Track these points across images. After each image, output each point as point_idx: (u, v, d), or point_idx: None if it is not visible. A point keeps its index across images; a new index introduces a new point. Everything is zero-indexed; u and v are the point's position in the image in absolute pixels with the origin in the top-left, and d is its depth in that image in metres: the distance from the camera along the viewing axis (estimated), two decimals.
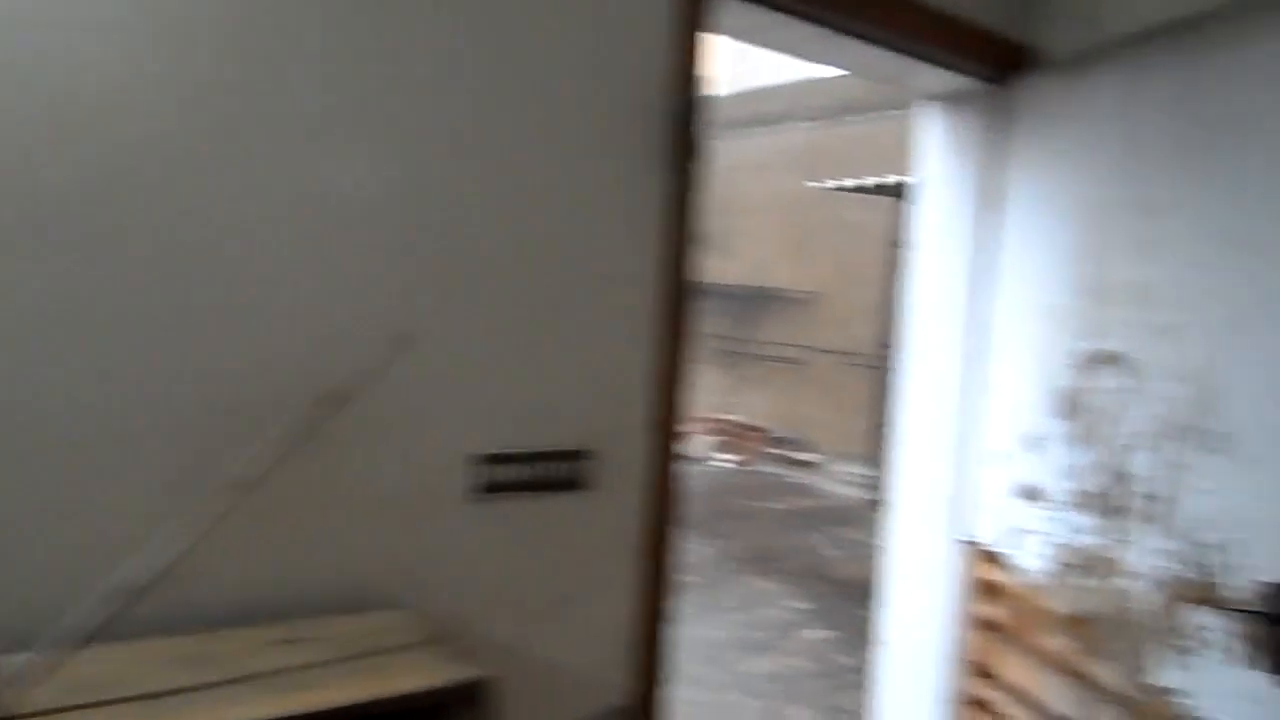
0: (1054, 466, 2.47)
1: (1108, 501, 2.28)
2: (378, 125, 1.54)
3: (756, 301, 10.99)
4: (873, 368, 8.79)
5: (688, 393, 2.07)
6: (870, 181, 6.87)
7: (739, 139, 11.44)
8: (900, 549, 3.13)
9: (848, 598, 6.16)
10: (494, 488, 1.76)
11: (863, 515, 7.85)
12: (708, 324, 11.83)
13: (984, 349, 2.79)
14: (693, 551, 7.09)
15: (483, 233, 1.69)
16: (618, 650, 1.99)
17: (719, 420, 11.13)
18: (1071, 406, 2.41)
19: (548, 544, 1.87)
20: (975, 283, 2.87)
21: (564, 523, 1.89)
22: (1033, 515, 2.54)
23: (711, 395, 11.48)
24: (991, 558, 2.73)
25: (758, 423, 10.84)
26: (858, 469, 9.05)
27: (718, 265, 11.69)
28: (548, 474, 1.85)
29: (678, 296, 2.00)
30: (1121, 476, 2.24)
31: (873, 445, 7.97)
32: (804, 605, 6.00)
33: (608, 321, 1.91)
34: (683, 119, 1.94)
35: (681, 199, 1.97)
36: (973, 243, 2.87)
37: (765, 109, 11.11)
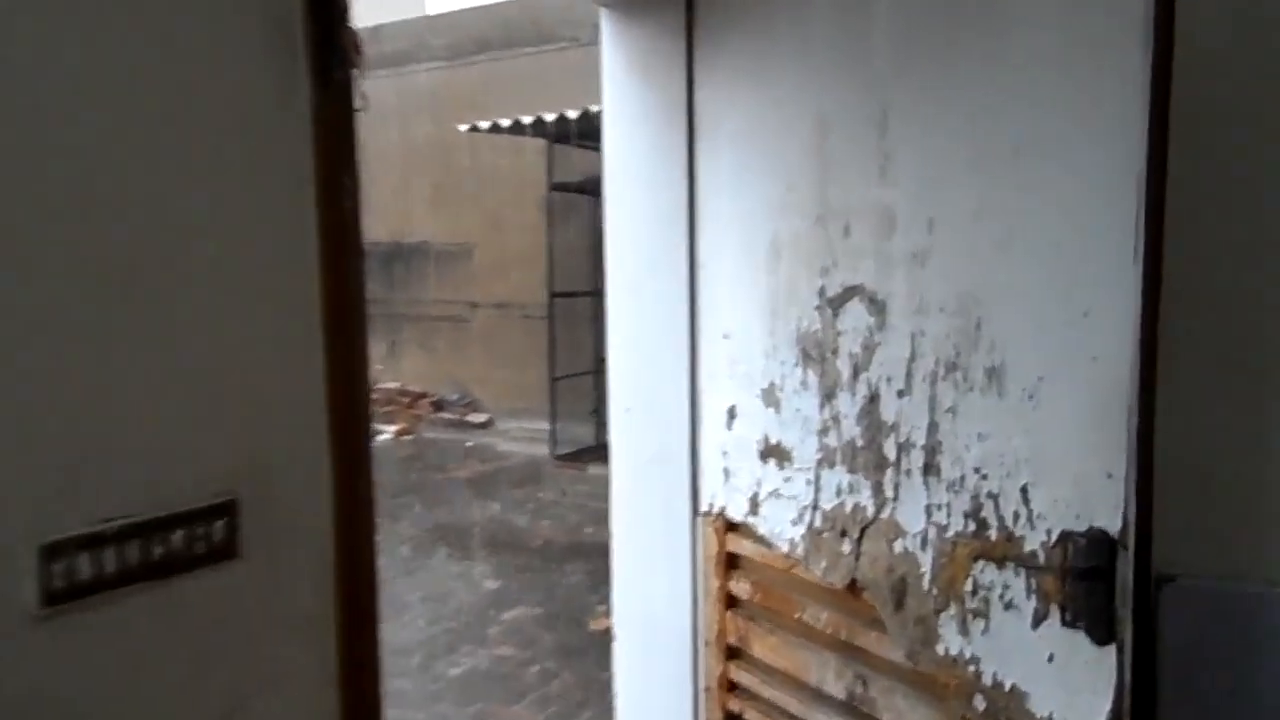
0: (800, 421, 2.18)
1: (865, 456, 2.03)
2: None
3: (403, 258, 10.21)
4: (540, 318, 8.45)
5: (367, 382, 1.49)
6: (524, 120, 6.41)
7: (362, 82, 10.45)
8: (627, 519, 2.76)
9: (545, 566, 5.82)
10: (80, 589, 1.09)
11: (547, 473, 7.54)
12: None
13: (710, 295, 2.44)
14: None
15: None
16: None
17: (375, 390, 10.28)
18: (816, 352, 2.13)
19: (187, 656, 1.22)
20: (681, 219, 2.50)
21: (208, 617, 1.25)
22: (780, 477, 2.25)
23: None
24: (735, 527, 2.43)
25: (419, 388, 10.16)
26: (533, 424, 8.73)
27: None
28: (171, 549, 1.19)
29: (345, 255, 1.40)
30: (879, 426, 1.99)
31: (549, 397, 7.66)
32: (499, 582, 5.57)
33: (243, 300, 1.26)
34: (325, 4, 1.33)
35: (337, 122, 1.36)
36: (676, 173, 2.50)
37: (388, 49, 10.21)
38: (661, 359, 2.58)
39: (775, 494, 2.27)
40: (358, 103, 1.44)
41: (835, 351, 2.08)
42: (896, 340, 1.93)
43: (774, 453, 2.27)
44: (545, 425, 8.12)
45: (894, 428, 1.95)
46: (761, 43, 2.24)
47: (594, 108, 6.20)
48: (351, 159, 1.42)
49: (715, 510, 2.47)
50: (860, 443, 2.03)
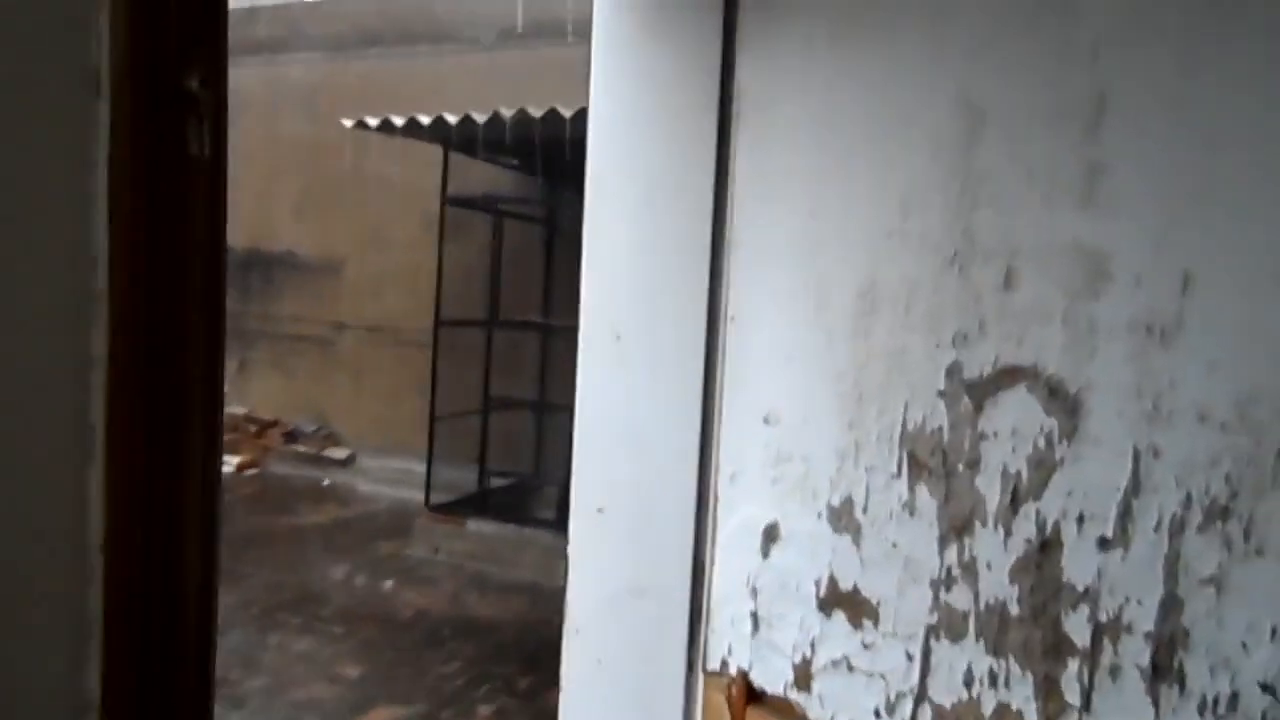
0: (899, 562, 1.44)
1: (1025, 633, 1.30)
2: None
3: (261, 268, 9.02)
4: (415, 345, 7.47)
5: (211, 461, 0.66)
6: (422, 120, 5.50)
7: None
8: (583, 670, 1.93)
9: (417, 648, 4.87)
10: None
11: (418, 525, 6.55)
12: None
13: (742, 358, 1.68)
14: None
15: None
16: None
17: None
18: (936, 460, 1.39)
19: None
20: (699, 246, 1.74)
21: None
22: (854, 640, 1.50)
23: None
24: (761, 699, 1.66)
25: (270, 415, 8.94)
26: (403, 464, 7.71)
27: None
28: None
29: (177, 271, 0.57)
30: (1055, 590, 1.27)
31: (427, 436, 6.69)
32: (359, 669, 4.58)
33: None
34: None
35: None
36: (696, 178, 1.74)
37: (261, 34, 9.08)
38: (656, 444, 1.79)
39: (844, 664, 1.51)
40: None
41: (974, 464, 1.34)
42: (1100, 458, 1.21)
43: (846, 603, 1.51)
44: (415, 466, 7.13)
45: (1088, 596, 1.22)
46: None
47: (506, 111, 5.37)
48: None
49: (733, 671, 1.69)
50: (1017, 611, 1.30)
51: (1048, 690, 1.27)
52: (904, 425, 1.43)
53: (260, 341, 9.08)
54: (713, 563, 1.73)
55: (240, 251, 9.21)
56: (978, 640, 1.34)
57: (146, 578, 0.60)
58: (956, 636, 1.37)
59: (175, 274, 0.60)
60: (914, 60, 1.44)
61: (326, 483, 8.26)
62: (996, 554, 1.32)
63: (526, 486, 7.14)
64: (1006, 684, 1.32)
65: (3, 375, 0.53)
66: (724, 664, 1.71)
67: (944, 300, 1.38)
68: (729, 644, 1.70)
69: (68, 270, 0.57)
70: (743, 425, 1.68)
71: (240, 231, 9.19)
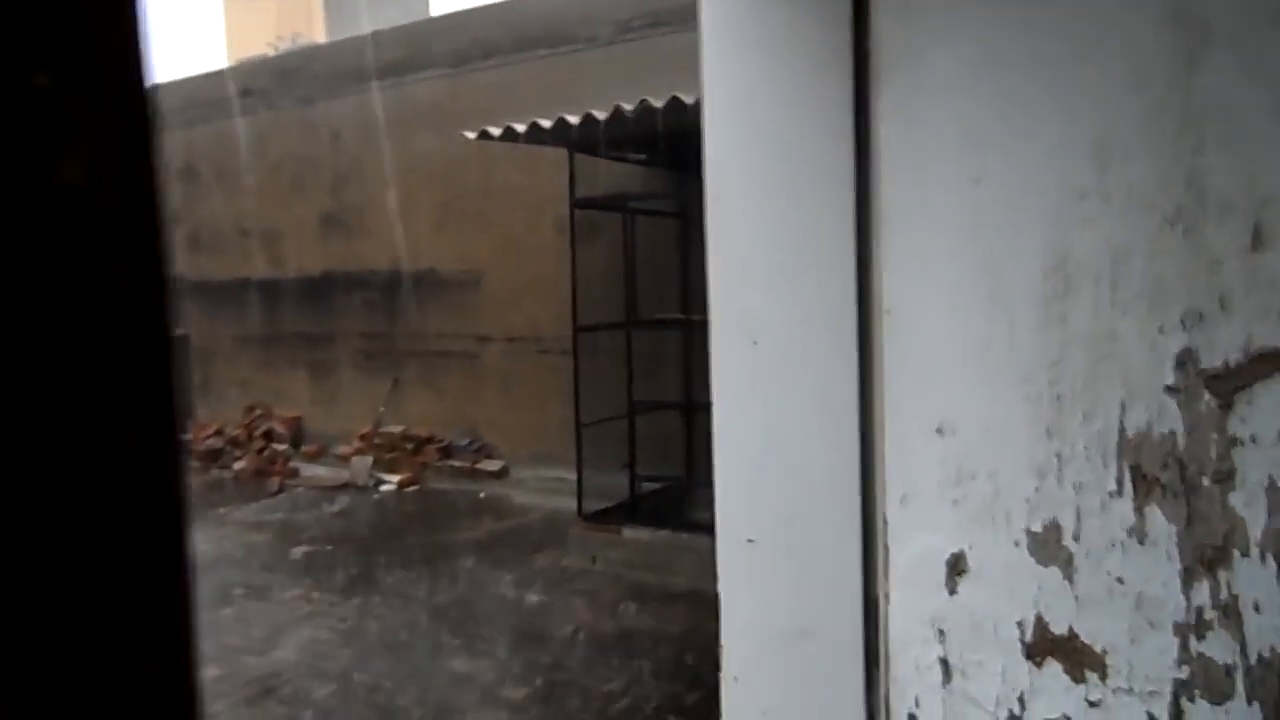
0: (1129, 601, 1.15)
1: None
2: None
3: (405, 288, 9.21)
4: (559, 353, 7.41)
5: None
6: (543, 124, 5.40)
7: (352, 95, 9.50)
8: (743, 693, 1.71)
9: (580, 666, 4.75)
10: None
11: (573, 534, 6.48)
12: (347, 321, 9.84)
13: (904, 358, 1.41)
14: (355, 630, 5.32)
15: None
16: None
17: (377, 435, 9.25)
18: (1170, 475, 1.09)
19: None
20: (843, 229, 1.48)
21: None
22: (1075, 697, 1.22)
23: (364, 406, 9.55)
24: None
25: (424, 432, 9.11)
26: (554, 472, 7.68)
27: (349, 248, 9.71)
28: None
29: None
30: None
31: (575, 444, 6.62)
32: (524, 691, 4.50)
33: None
34: None
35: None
36: (832, 147, 1.48)
37: (386, 57, 9.26)
38: (809, 463, 1.54)
39: None
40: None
41: (1226, 477, 1.04)
42: None
43: (1061, 650, 1.23)
44: (567, 474, 7.07)
45: None
46: None
47: (627, 105, 5.20)
48: None
49: None
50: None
51: None
52: (1122, 431, 1.14)
53: (410, 360, 9.28)
54: (887, 600, 1.47)
55: (384, 273, 9.43)
56: (1250, 702, 1.04)
57: None
58: (1219, 697, 1.07)
59: (80, 327, 0.41)
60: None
61: (482, 495, 8.34)
62: (1267, 591, 1.02)
63: (679, 489, 6.97)
64: None
65: None
66: (911, 718, 1.45)
67: (1166, 271, 1.08)
68: (915, 695, 1.44)
69: None
70: (911, 438, 1.41)
71: (383, 254, 9.41)
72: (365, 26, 10.36)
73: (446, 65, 8.72)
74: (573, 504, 6.75)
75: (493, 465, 8.61)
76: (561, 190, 6.50)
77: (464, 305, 8.80)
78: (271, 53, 13.10)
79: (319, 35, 15.16)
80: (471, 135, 5.94)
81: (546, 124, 5.35)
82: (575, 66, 7.76)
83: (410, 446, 9.05)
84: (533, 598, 5.80)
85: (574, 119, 5.25)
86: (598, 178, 6.62)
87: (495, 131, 5.65)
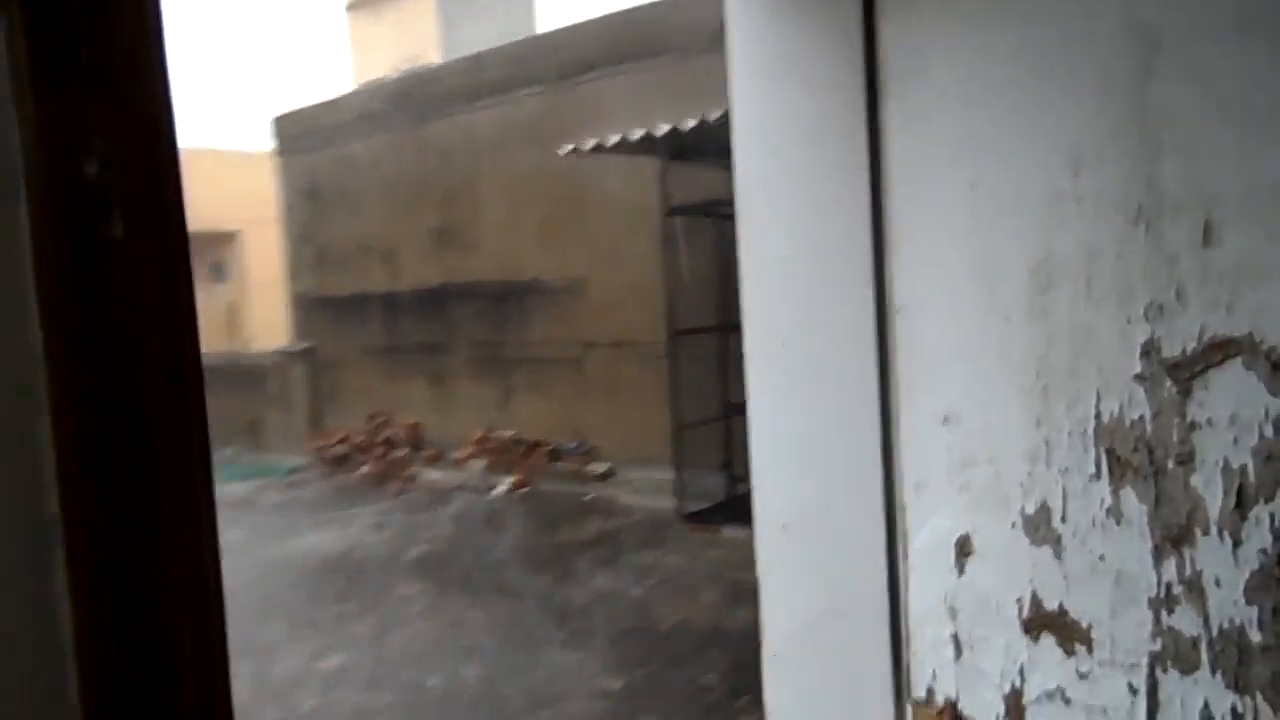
0: (1109, 578, 1.22)
1: (1272, 666, 1.05)
2: None
3: (513, 298, 9.56)
4: (659, 357, 7.58)
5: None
6: (632, 136, 5.58)
7: (461, 114, 9.92)
8: (783, 701, 1.82)
9: (675, 660, 4.90)
10: None
11: (674, 533, 6.64)
12: (460, 331, 10.27)
13: (915, 352, 1.51)
14: (466, 626, 5.60)
15: None
16: None
17: (489, 440, 9.62)
18: (1141, 458, 1.17)
19: None
20: (860, 232, 1.58)
21: None
22: (1067, 669, 1.29)
23: (477, 412, 9.94)
24: None
25: (534, 436, 9.42)
26: (657, 474, 7.85)
27: (460, 261, 10.14)
28: None
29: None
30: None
31: (673, 446, 6.77)
32: (620, 682, 4.68)
33: None
34: None
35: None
36: (847, 154, 1.59)
37: (490, 76, 9.64)
38: (836, 453, 1.65)
39: (1059, 696, 1.31)
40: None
41: (1187, 460, 1.11)
42: None
43: (1052, 625, 1.31)
44: (669, 476, 7.24)
45: None
46: None
47: (713, 115, 5.33)
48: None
49: (940, 701, 1.52)
50: (1259, 638, 1.06)
51: None
52: (1099, 418, 1.21)
53: (519, 367, 9.62)
54: (907, 581, 1.57)
55: (494, 285, 9.82)
56: (1214, 673, 1.11)
57: (126, 675, 0.59)
58: (1188, 668, 1.14)
59: (117, 348, 0.58)
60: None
61: (589, 497, 8.59)
62: (1225, 568, 1.08)
63: None
64: None
65: None
66: (930, 692, 1.54)
67: (1131, 267, 1.16)
68: (933, 670, 1.53)
69: (8, 355, 0.56)
70: (923, 428, 1.51)
71: (492, 265, 9.80)
72: (478, 45, 10.78)
73: (547, 81, 9.03)
74: (673, 504, 6.91)
75: (599, 468, 8.85)
76: (658, 198, 6.68)
77: (568, 313, 9.08)
78: (393, 75, 13.76)
79: (435, 56, 15.79)
80: (565, 151, 6.17)
81: (636, 136, 5.53)
82: (671, 77, 7.92)
83: (521, 450, 9.38)
84: (634, 594, 5.98)
85: (662, 130, 5.41)
86: (696, 185, 6.77)
87: (587, 146, 5.86)
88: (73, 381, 0.57)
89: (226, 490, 10.27)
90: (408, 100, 10.72)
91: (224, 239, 17.42)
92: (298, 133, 12.09)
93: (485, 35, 13.39)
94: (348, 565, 7.10)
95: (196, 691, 0.63)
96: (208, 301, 18.24)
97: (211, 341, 17.23)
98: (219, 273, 18.19)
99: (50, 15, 0.54)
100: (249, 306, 17.08)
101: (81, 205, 0.54)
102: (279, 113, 12.60)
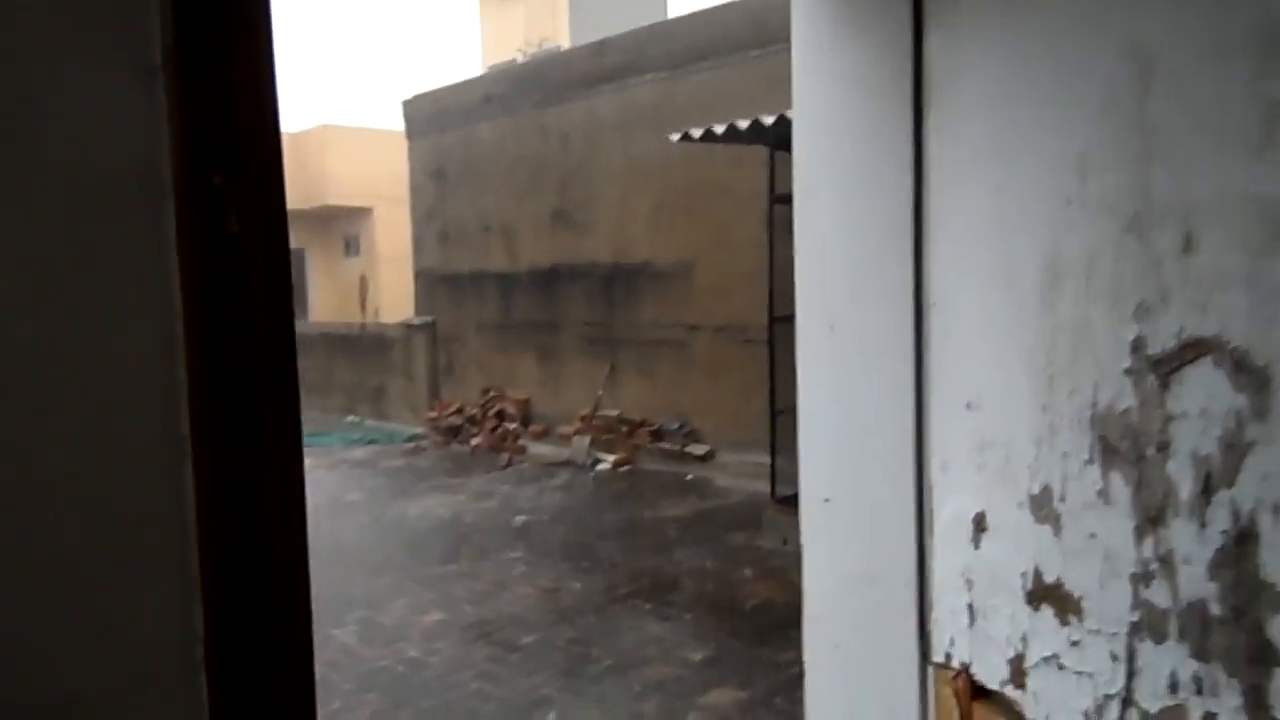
0: (1099, 554, 1.33)
1: (1227, 636, 1.15)
2: None
3: (624, 280, 9.80)
4: (761, 342, 7.69)
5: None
6: (739, 124, 5.71)
7: (580, 100, 10.18)
8: (822, 659, 1.97)
9: (756, 637, 5.05)
10: None
11: (767, 516, 6.77)
12: (571, 310, 10.59)
13: (946, 344, 1.63)
14: (562, 592, 5.87)
15: None
16: None
17: (595, 417, 9.92)
18: (1128, 445, 1.27)
19: None
20: (902, 232, 1.71)
21: None
22: (1062, 637, 1.41)
23: (584, 389, 10.25)
24: (986, 694, 1.60)
25: (639, 415, 9.67)
26: (755, 458, 7.98)
27: (574, 243, 10.44)
28: None
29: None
30: (1256, 589, 1.12)
31: (769, 430, 6.89)
32: (702, 653, 4.86)
33: None
34: None
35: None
36: (893, 160, 1.71)
37: (606, 64, 9.87)
38: (873, 433, 1.79)
39: (1054, 662, 1.43)
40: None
41: (1165, 447, 1.22)
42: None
43: (1050, 597, 1.42)
44: (766, 459, 7.36)
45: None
46: None
47: None
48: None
49: (956, 665, 1.64)
50: (1218, 611, 1.16)
51: (1253, 703, 1.12)
52: (1094, 406, 1.32)
53: (626, 348, 9.87)
54: (932, 553, 1.70)
55: (606, 267, 10.08)
56: (1180, 642, 1.21)
57: (231, 545, 0.81)
58: (1160, 637, 1.24)
59: (236, 314, 0.79)
60: (1083, 5, 1.33)
61: (689, 477, 8.78)
62: (1193, 547, 1.19)
63: None
64: (1214, 692, 1.18)
65: (117, 403, 0.76)
66: (948, 657, 1.67)
67: (1124, 268, 1.26)
68: (950, 636, 1.66)
69: (159, 318, 0.78)
70: (949, 413, 1.63)
71: (604, 248, 10.07)
72: (606, 30, 11.03)
73: (663, 69, 9.20)
74: (768, 489, 7.03)
75: (700, 449, 9.03)
76: (764, 186, 6.78)
77: (675, 296, 9.27)
78: (520, 58, 14.17)
79: (564, 39, 16.14)
80: (675, 137, 6.34)
81: (743, 124, 5.65)
82: (784, 66, 7.96)
83: (625, 429, 9.64)
84: (723, 572, 6.15)
85: (768, 119, 5.51)
86: None
87: (696, 133, 6.01)
88: (201, 342, 0.78)
89: (350, 453, 10.90)
90: (532, 84, 11.06)
91: (359, 214, 18.24)
92: (426, 115, 12.62)
93: (615, 21, 13.61)
94: (455, 529, 7.50)
95: (283, 563, 0.84)
96: (340, 275, 19.19)
97: (343, 311, 18.16)
98: (352, 246, 19.08)
99: (195, 81, 0.75)
100: (377, 280, 17.88)
101: (208, 205, 0.75)
102: (408, 95, 13.17)
